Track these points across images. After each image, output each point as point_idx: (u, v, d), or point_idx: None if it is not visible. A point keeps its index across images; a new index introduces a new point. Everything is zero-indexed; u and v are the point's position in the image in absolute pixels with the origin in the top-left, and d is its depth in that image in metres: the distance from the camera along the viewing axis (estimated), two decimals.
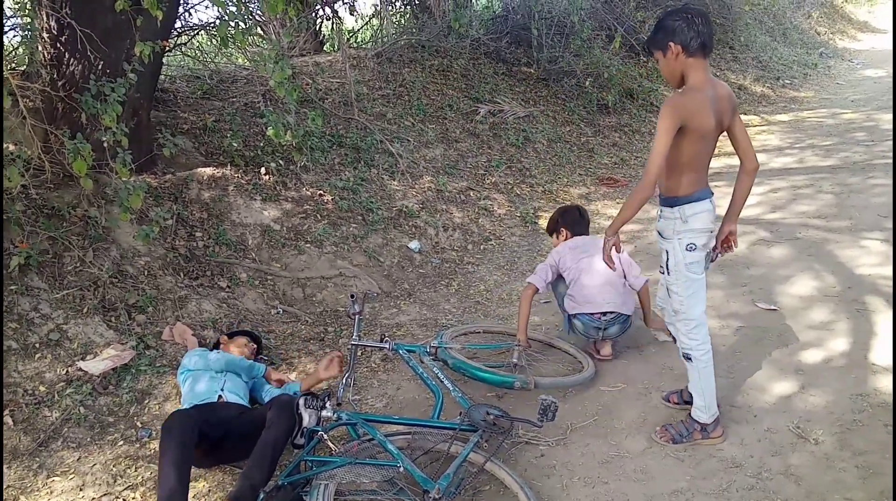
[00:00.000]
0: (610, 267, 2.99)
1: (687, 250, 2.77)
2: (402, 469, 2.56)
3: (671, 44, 2.60)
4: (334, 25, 8.03)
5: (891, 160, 7.17)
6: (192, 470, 2.92)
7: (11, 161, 3.73)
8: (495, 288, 5.10)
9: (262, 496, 2.38)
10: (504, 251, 5.82)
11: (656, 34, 2.66)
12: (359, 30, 9.86)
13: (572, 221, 4.21)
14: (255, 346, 3.77)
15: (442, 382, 3.32)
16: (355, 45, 9.33)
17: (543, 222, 6.40)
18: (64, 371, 3.46)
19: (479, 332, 4.15)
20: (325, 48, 9.01)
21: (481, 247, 5.87)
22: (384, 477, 2.63)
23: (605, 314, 3.75)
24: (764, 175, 7.01)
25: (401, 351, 3.57)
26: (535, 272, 3.96)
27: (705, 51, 2.60)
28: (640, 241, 5.84)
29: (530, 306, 3.87)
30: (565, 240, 4.14)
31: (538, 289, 3.92)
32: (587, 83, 9.07)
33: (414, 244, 5.58)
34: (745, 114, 10.57)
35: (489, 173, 6.96)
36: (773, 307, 4.25)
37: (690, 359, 2.93)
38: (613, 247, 2.91)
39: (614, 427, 3.21)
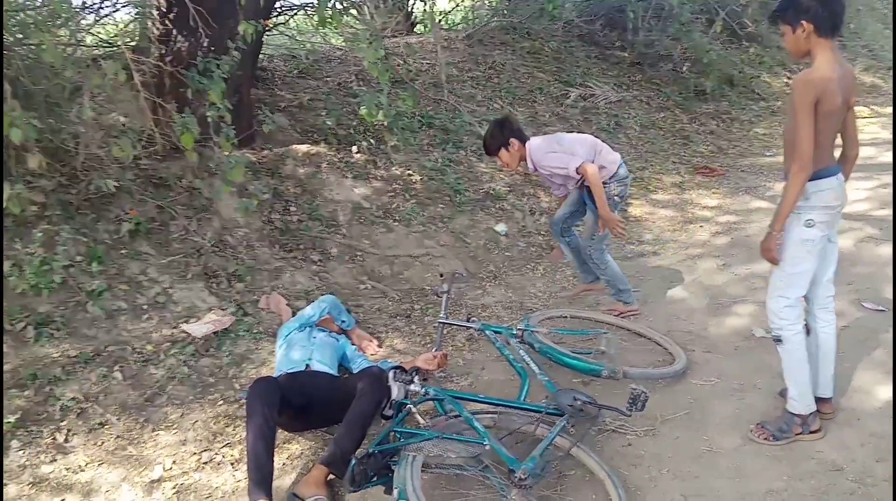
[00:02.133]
0: (775, 263, 2.83)
1: (805, 225, 2.68)
2: (488, 447, 2.58)
3: (803, 22, 2.55)
4: (427, 7, 8.06)
5: None
6: (285, 433, 3.06)
7: (123, 133, 3.95)
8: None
9: (353, 462, 2.45)
10: None
11: (787, 9, 2.60)
12: (450, 11, 9.85)
13: (517, 128, 4.03)
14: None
15: (528, 365, 3.31)
16: (447, 26, 9.33)
17: (633, 209, 6.27)
18: (169, 333, 3.65)
19: (565, 317, 4.11)
20: (416, 30, 9.06)
21: None
22: (470, 454, 2.65)
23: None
24: (872, 170, 6.61)
25: (487, 332, 3.58)
26: (567, 165, 3.80)
27: (835, 32, 2.54)
28: (738, 232, 5.62)
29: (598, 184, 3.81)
30: (518, 150, 3.96)
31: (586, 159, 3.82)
32: (684, 68, 8.78)
33: (500, 227, 5.57)
34: (854, 104, 9.95)
35: None
36: (880, 308, 4.02)
37: (781, 341, 2.82)
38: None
39: (707, 422, 3.13)
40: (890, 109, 10.00)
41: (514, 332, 3.56)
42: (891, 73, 12.12)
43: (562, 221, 4.26)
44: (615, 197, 3.96)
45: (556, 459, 2.74)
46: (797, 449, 2.86)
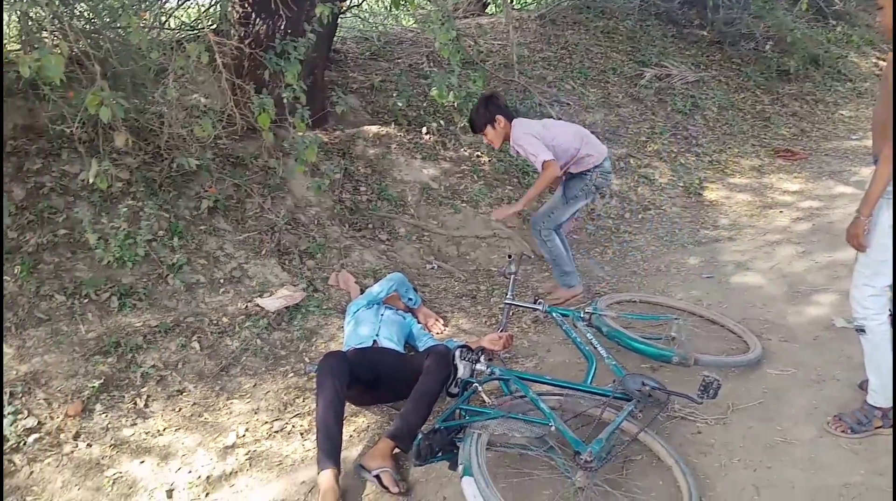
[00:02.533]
0: (861, 250, 2.70)
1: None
2: (553, 428, 2.56)
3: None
4: None
5: None
6: (352, 407, 3.13)
7: (204, 113, 4.08)
8: (652, 259, 4.93)
9: (419, 437, 2.49)
10: (664, 222, 5.60)
11: None
12: None
13: (503, 104, 3.98)
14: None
15: (595, 348, 3.27)
16: (518, 6, 9.22)
17: (708, 193, 6.08)
18: (244, 306, 3.78)
19: (634, 302, 4.03)
20: (488, 10, 8.99)
21: (639, 216, 5.68)
22: (535, 434, 2.65)
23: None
24: None
25: (554, 314, 3.55)
26: (537, 155, 3.75)
27: None
28: (820, 219, 5.38)
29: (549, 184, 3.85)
30: (504, 127, 3.90)
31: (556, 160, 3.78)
32: (766, 47, 8.40)
33: None
34: None
35: (651, 140, 6.68)
36: None
37: (864, 331, 2.69)
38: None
39: (781, 412, 3.02)
40: None
41: (582, 315, 3.52)
42: None
43: (542, 219, 4.15)
44: (593, 187, 3.92)
45: (622, 443, 2.71)
46: (876, 443, 2.73)
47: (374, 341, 3.34)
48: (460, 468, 2.41)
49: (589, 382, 3.07)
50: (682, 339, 3.53)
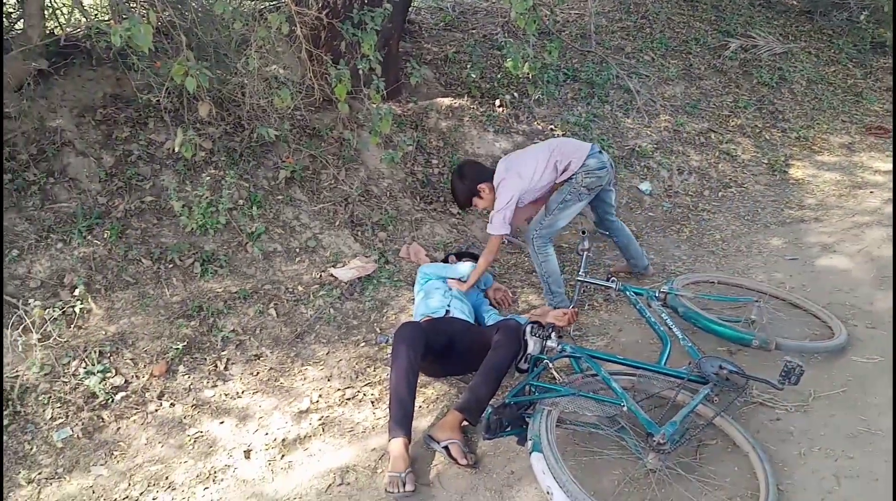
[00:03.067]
0: None
1: None
2: (625, 408, 2.54)
3: None
4: None
5: None
6: (422, 378, 3.16)
7: (283, 84, 4.13)
8: (732, 239, 4.76)
9: (489, 410, 2.50)
10: (745, 200, 5.39)
11: None
12: None
13: (480, 171, 3.82)
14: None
15: (670, 329, 3.20)
16: None
17: (794, 171, 5.81)
18: (318, 275, 3.87)
19: (712, 282, 3.91)
20: None
21: (719, 194, 5.48)
22: (607, 414, 2.63)
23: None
24: None
25: (628, 293, 3.48)
26: (492, 222, 3.65)
27: None
28: None
29: (491, 260, 3.76)
30: (490, 192, 3.75)
31: (504, 236, 3.72)
32: (861, 17, 7.89)
33: (645, 186, 5.36)
34: None
35: (734, 115, 6.41)
36: None
37: None
38: None
39: (866, 402, 2.89)
40: None
41: (657, 294, 3.44)
42: None
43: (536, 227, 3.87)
44: (582, 188, 3.66)
45: (696, 427, 2.66)
46: None
47: (447, 310, 3.35)
48: (529, 443, 2.42)
49: (663, 363, 3.01)
50: (763, 322, 3.41)
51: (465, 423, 2.82)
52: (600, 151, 3.73)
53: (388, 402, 2.78)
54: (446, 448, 2.69)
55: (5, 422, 2.89)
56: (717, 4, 7.86)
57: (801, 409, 2.89)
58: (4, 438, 2.86)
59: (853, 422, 2.78)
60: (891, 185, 5.46)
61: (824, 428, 2.76)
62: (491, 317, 3.59)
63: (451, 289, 3.57)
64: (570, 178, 3.69)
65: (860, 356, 3.23)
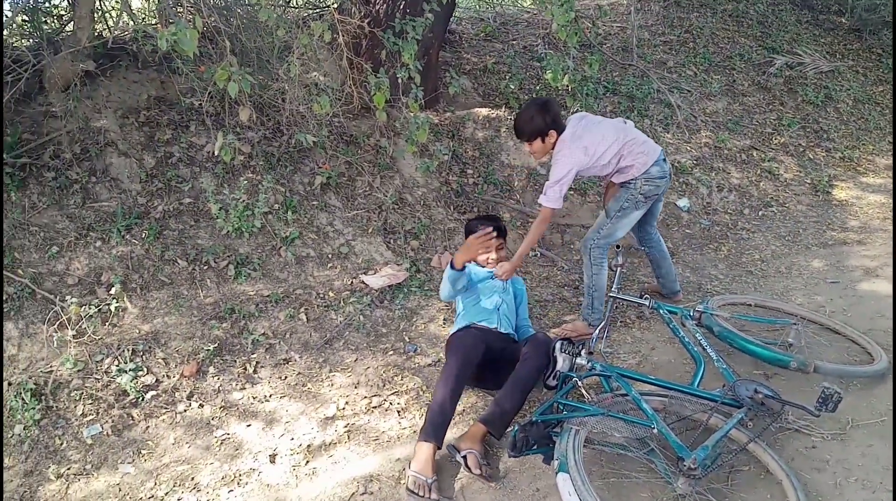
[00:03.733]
0: None
1: None
2: (656, 430, 2.48)
3: None
4: None
5: None
6: None
7: (323, 91, 4.17)
8: (772, 259, 4.65)
9: (515, 428, 2.46)
10: (786, 220, 5.26)
11: None
12: None
13: (558, 118, 3.48)
14: (503, 240, 3.61)
15: (704, 349, 3.12)
16: None
17: (838, 192, 5.67)
18: (349, 282, 3.88)
19: (749, 304, 3.82)
20: None
21: (759, 213, 5.37)
22: (636, 435, 2.57)
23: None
24: None
25: (662, 311, 3.41)
26: (553, 191, 3.42)
27: None
28: None
29: (542, 232, 3.66)
30: (553, 143, 3.47)
31: (555, 210, 3.50)
32: None
33: (683, 202, 5.28)
34: None
35: (778, 133, 6.28)
36: None
37: None
38: None
39: None
40: None
41: (692, 313, 3.37)
42: None
43: (593, 237, 3.70)
44: (640, 196, 3.52)
45: (729, 452, 2.58)
46: None
47: (498, 322, 3.28)
48: (556, 463, 2.37)
49: (696, 385, 2.94)
50: (801, 345, 3.33)
51: (489, 435, 2.79)
52: (664, 159, 3.60)
53: (424, 407, 2.79)
54: (465, 457, 2.66)
55: (38, 417, 2.94)
56: (762, 21, 7.73)
57: (839, 437, 2.79)
58: (37, 432, 2.91)
59: (891, 453, 2.68)
60: None
61: (862, 458, 2.66)
62: (521, 329, 3.54)
63: (501, 290, 3.43)
64: (628, 182, 3.56)
65: None
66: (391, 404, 3.16)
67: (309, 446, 2.89)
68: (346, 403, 3.15)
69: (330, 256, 3.99)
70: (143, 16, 5.14)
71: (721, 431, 2.51)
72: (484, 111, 5.42)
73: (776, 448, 2.71)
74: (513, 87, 5.66)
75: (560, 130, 3.49)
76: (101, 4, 4.25)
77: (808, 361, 3.06)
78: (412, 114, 4.26)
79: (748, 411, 2.65)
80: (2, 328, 3.24)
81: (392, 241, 4.25)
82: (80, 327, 3.26)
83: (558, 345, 2.90)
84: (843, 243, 4.84)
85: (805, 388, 3.06)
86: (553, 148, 3.52)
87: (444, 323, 3.78)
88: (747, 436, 2.57)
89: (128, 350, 3.25)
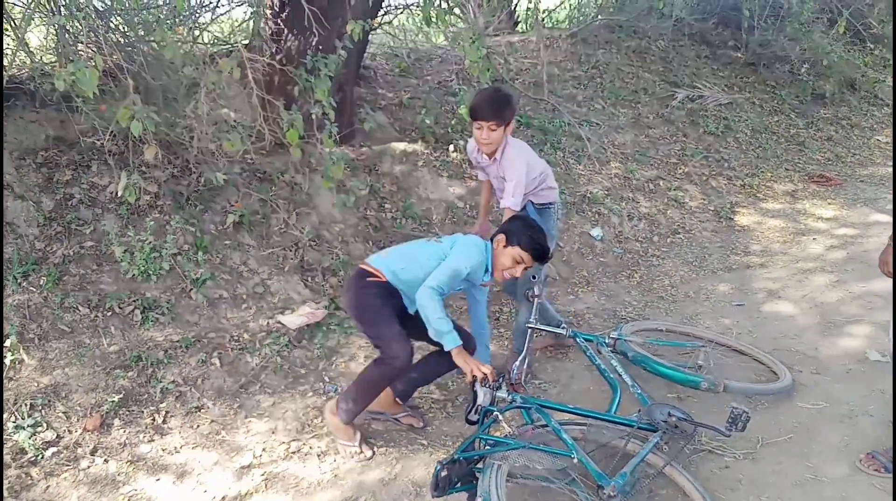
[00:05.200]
0: (892, 277, 2.62)
1: None
2: (576, 460, 2.49)
3: None
4: (530, 4, 7.96)
5: None
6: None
7: (233, 128, 4.09)
8: (681, 284, 4.83)
9: (437, 467, 2.43)
10: (693, 246, 5.49)
11: None
12: (555, 9, 9.70)
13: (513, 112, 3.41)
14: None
15: (620, 376, 3.19)
16: (549, 25, 9.19)
17: (740, 218, 5.97)
18: (265, 323, 3.77)
19: (661, 330, 3.94)
20: (518, 28, 8.97)
21: (668, 240, 5.58)
22: (557, 466, 2.58)
23: None
24: None
25: (578, 339, 3.48)
26: (511, 194, 3.32)
27: None
28: (855, 247, 5.24)
29: None
30: (505, 135, 3.34)
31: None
32: (802, 70, 8.26)
33: (596, 232, 5.43)
34: None
35: (682, 163, 6.58)
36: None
37: None
38: None
39: (812, 449, 2.92)
40: None
41: (607, 340, 3.44)
42: None
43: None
44: (557, 221, 3.72)
45: (647, 476, 2.63)
46: None
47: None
48: (480, 499, 2.35)
49: (613, 411, 2.99)
50: (710, 367, 3.45)
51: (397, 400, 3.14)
52: None
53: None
54: (396, 419, 3.06)
55: None
56: (664, 56, 8.14)
57: (750, 456, 2.90)
58: None
59: (800, 470, 2.80)
60: (833, 232, 5.64)
61: (772, 476, 2.77)
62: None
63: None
64: (549, 204, 3.58)
65: (806, 403, 3.28)
66: (311, 448, 3.06)
67: (224, 498, 2.76)
68: (264, 450, 3.04)
69: (244, 296, 3.88)
70: (42, 54, 4.93)
71: (638, 456, 2.56)
72: (401, 146, 5.44)
73: (692, 469, 2.79)
74: (428, 121, 5.71)
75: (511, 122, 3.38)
76: None
77: (718, 381, 3.17)
78: (328, 150, 4.24)
79: (663, 434, 2.71)
80: (2, 329, 3.11)
81: (310, 278, 4.17)
82: None
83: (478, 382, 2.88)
84: (747, 267, 5.08)
85: (715, 409, 3.17)
86: (501, 144, 3.38)
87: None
88: (664, 460, 2.63)
89: (25, 405, 3.04)
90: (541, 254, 2.99)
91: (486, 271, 3.01)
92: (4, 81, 3.76)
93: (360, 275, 2.99)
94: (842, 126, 8.19)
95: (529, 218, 3.18)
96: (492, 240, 3.04)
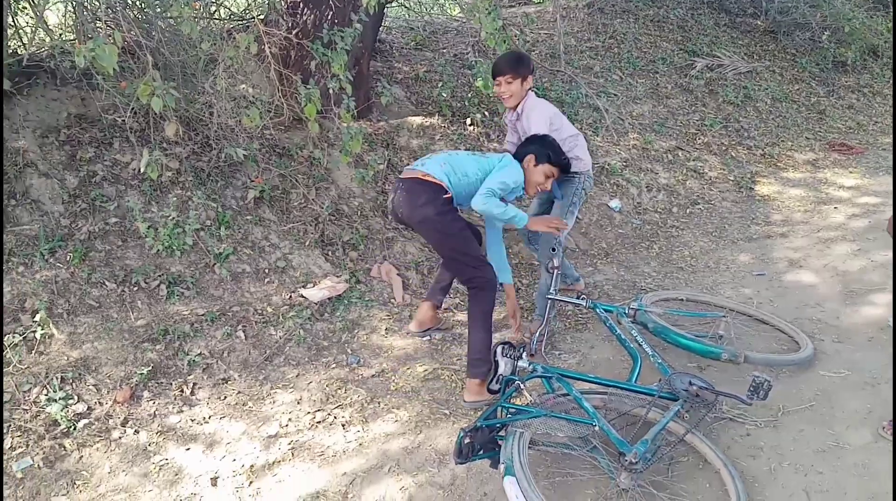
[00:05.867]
0: None
1: None
2: (597, 427, 2.53)
3: None
4: None
5: None
6: (392, 399, 3.14)
7: (252, 103, 4.11)
8: (701, 255, 4.81)
9: (461, 434, 2.47)
10: (713, 216, 5.46)
11: None
12: None
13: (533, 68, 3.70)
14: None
15: (641, 346, 3.21)
16: None
17: (760, 188, 5.92)
18: (288, 296, 3.82)
19: (681, 299, 3.95)
20: None
21: (687, 210, 5.55)
22: (578, 434, 2.62)
23: None
24: None
25: (598, 310, 3.49)
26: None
27: None
28: (877, 216, 5.19)
29: None
30: (526, 90, 3.59)
31: None
32: (823, 37, 8.11)
33: (614, 203, 5.41)
34: None
35: (701, 133, 6.52)
36: None
37: None
38: None
39: (834, 416, 2.93)
40: None
41: (627, 311, 3.46)
42: None
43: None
44: (583, 192, 3.77)
45: (668, 444, 2.66)
46: None
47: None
48: (502, 467, 2.39)
49: (634, 380, 3.01)
50: (731, 337, 3.45)
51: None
52: None
53: (369, 418, 3.05)
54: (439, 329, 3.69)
55: None
56: (682, 25, 8.01)
57: (771, 424, 2.91)
58: None
59: (822, 437, 2.81)
60: (854, 200, 5.58)
61: (794, 443, 2.78)
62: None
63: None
64: (576, 173, 3.68)
65: (827, 371, 3.28)
66: (335, 418, 3.12)
67: (252, 466, 2.83)
68: (289, 420, 3.10)
69: (267, 270, 3.92)
70: (61, 32, 4.95)
71: (659, 424, 2.58)
72: (418, 120, 5.43)
73: (713, 437, 2.81)
74: (445, 95, 5.70)
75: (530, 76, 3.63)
76: (14, 20, 4.07)
77: (739, 352, 3.18)
78: (345, 124, 4.24)
79: (684, 403, 2.73)
80: (2, 325, 3.14)
81: (330, 253, 4.20)
82: (5, 356, 3.10)
83: (499, 349, 2.93)
84: (767, 237, 5.05)
85: (736, 378, 3.18)
86: (523, 98, 3.63)
87: (386, 333, 3.76)
88: (684, 428, 2.65)
89: (56, 378, 3.11)
90: (567, 166, 3.46)
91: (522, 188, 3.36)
92: (25, 60, 3.78)
93: (433, 189, 3.18)
94: (863, 94, 8.05)
95: (547, 137, 3.45)
96: (520, 161, 3.35)
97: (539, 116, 3.55)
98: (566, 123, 3.70)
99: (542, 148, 3.36)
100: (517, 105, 3.64)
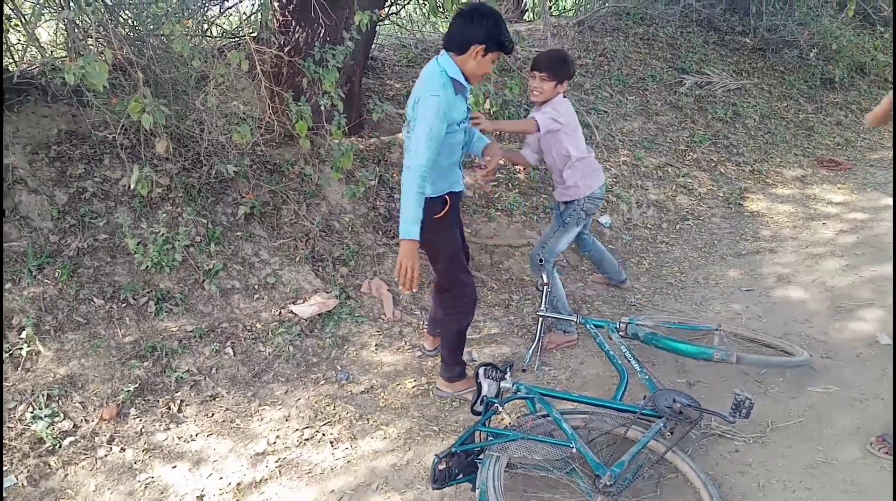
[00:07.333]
0: None
1: None
2: (574, 450, 2.50)
3: None
4: None
5: None
6: (383, 415, 3.13)
7: (243, 120, 4.13)
8: (690, 270, 4.83)
9: (435, 459, 2.45)
10: (702, 232, 5.49)
11: None
12: None
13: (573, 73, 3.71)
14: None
15: (629, 362, 3.21)
16: (556, 13, 9.16)
17: (749, 204, 5.96)
18: (277, 312, 3.81)
19: (673, 322, 3.95)
20: (526, 17, 8.95)
21: (677, 226, 5.58)
22: (556, 456, 2.59)
23: None
24: None
25: (588, 325, 3.50)
26: (542, 114, 3.60)
27: None
28: (865, 231, 5.22)
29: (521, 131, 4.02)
30: (556, 91, 3.63)
31: (538, 130, 3.59)
32: (811, 55, 8.20)
33: (604, 219, 5.43)
34: None
35: (691, 149, 6.56)
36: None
37: None
38: None
39: (822, 432, 2.93)
40: None
41: (618, 326, 3.46)
42: None
43: (539, 249, 3.89)
44: (582, 212, 3.85)
45: (649, 463, 2.65)
46: None
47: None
48: (477, 492, 2.38)
49: (619, 397, 3.01)
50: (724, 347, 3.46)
51: None
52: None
53: (358, 436, 3.04)
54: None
55: None
56: (672, 42, 8.09)
57: (760, 440, 2.92)
58: None
59: (810, 453, 2.81)
60: (843, 216, 5.62)
61: (782, 460, 2.79)
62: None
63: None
64: (571, 201, 3.82)
65: (816, 386, 3.29)
66: (324, 435, 3.11)
67: (239, 484, 2.81)
68: (277, 437, 3.09)
69: (256, 287, 3.92)
70: (52, 49, 4.97)
71: (639, 444, 2.58)
72: None
73: (700, 453, 2.81)
74: None
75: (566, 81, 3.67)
76: (5, 37, 4.09)
77: (731, 351, 3.17)
78: (336, 141, 4.27)
79: (667, 421, 2.72)
80: (2, 327, 3.13)
81: (320, 269, 4.20)
82: None
83: (482, 371, 2.89)
84: (756, 253, 5.08)
85: (727, 394, 3.18)
86: (550, 100, 3.66)
87: (376, 349, 3.76)
88: (665, 446, 2.64)
89: (43, 396, 3.10)
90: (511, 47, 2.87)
91: (464, 86, 2.84)
92: (16, 77, 3.80)
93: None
94: (851, 110, 8.13)
95: (501, 15, 2.85)
96: (460, 54, 2.81)
97: (552, 110, 3.59)
98: (575, 141, 3.76)
99: (496, 30, 2.76)
100: (543, 104, 3.68)
